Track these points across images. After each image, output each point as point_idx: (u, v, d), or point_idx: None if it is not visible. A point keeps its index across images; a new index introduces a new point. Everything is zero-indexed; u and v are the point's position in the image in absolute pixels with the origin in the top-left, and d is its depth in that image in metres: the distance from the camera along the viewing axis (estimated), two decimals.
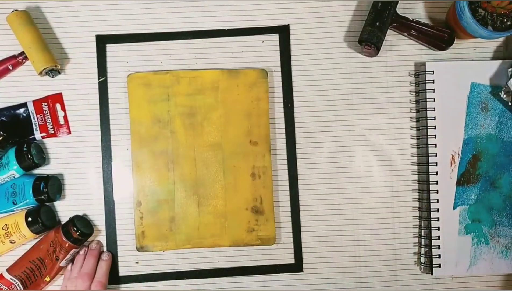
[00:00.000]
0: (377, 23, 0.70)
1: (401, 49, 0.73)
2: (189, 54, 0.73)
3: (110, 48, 0.73)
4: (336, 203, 0.73)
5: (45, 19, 0.73)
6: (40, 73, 0.70)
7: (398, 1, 0.71)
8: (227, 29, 0.73)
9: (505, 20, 0.67)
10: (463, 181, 0.72)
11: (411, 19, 0.71)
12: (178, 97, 0.71)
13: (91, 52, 0.73)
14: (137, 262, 0.73)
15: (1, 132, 0.69)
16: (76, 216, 0.72)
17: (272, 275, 0.73)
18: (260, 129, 0.72)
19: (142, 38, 0.73)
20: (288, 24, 0.73)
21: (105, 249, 0.72)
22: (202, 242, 0.71)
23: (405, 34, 0.72)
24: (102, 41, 0.73)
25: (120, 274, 0.72)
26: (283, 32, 0.73)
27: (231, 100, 0.72)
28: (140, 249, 0.71)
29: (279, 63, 0.73)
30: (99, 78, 0.73)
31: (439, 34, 0.71)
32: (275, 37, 0.73)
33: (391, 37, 0.73)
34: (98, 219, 0.73)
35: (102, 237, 0.72)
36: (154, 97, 0.71)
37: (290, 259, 0.73)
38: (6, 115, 0.72)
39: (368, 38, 0.69)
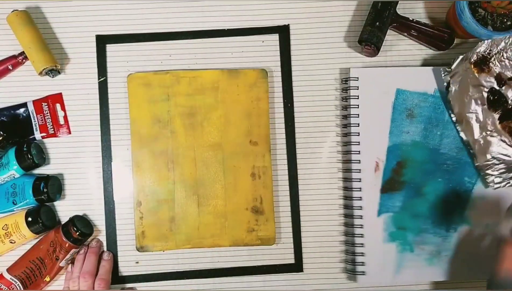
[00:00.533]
0: (377, 23, 0.69)
1: (401, 49, 0.73)
2: (189, 54, 0.73)
3: (110, 48, 0.73)
4: (336, 203, 0.73)
5: (45, 19, 0.73)
6: (40, 73, 0.70)
7: (398, 1, 0.71)
8: (227, 29, 0.73)
9: (505, 20, 0.67)
10: (387, 187, 0.70)
11: (411, 19, 0.71)
12: (178, 97, 0.71)
13: (91, 52, 0.73)
14: (137, 262, 0.73)
15: (1, 132, 0.69)
16: (76, 216, 0.72)
17: (272, 275, 0.73)
18: (260, 129, 0.72)
19: (142, 38, 0.73)
20: (288, 24, 0.73)
21: (105, 249, 0.72)
22: (202, 242, 0.71)
23: (405, 34, 0.72)
24: (102, 41, 0.73)
25: (120, 274, 0.72)
26: (283, 32, 0.73)
27: (231, 100, 0.72)
28: (140, 249, 0.71)
29: (279, 63, 0.73)
30: (99, 78, 0.73)
31: (439, 34, 0.71)
32: (275, 37, 0.73)
33: (391, 37, 0.73)
34: (98, 219, 0.72)
35: (102, 237, 0.72)
36: (154, 97, 0.71)
37: (290, 259, 0.73)
38: (6, 115, 0.72)
39: (368, 38, 0.69)
